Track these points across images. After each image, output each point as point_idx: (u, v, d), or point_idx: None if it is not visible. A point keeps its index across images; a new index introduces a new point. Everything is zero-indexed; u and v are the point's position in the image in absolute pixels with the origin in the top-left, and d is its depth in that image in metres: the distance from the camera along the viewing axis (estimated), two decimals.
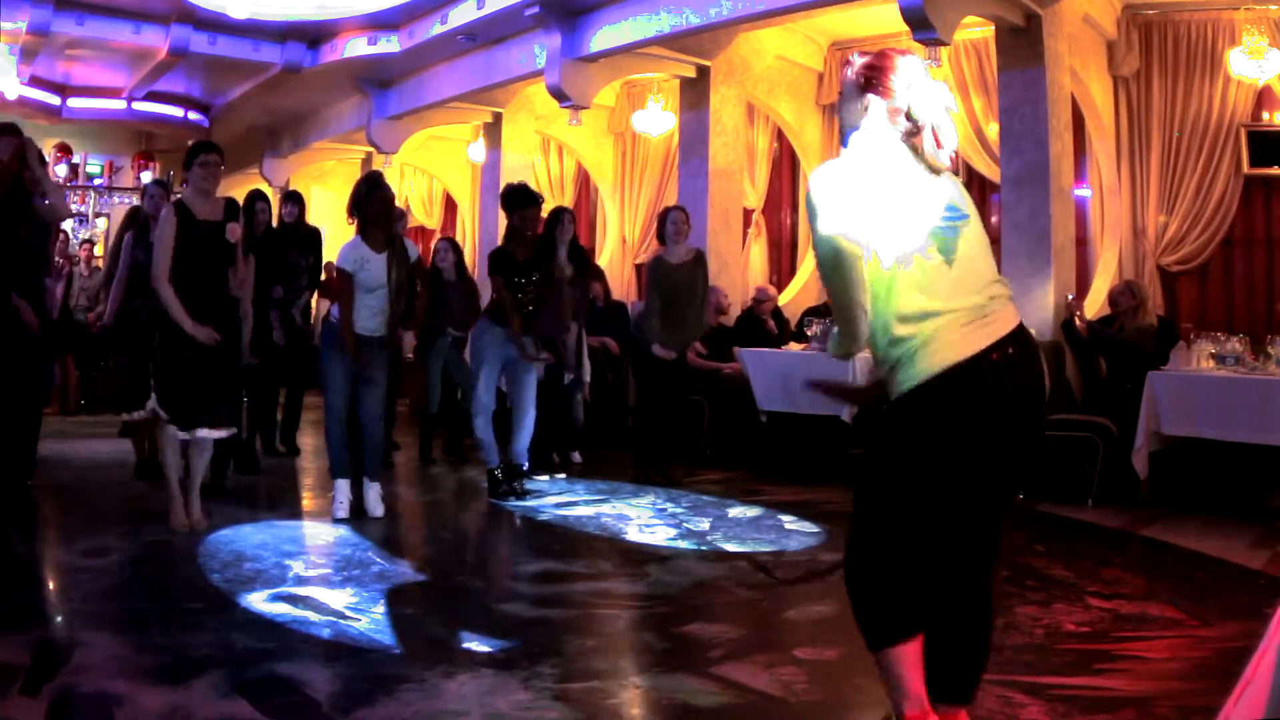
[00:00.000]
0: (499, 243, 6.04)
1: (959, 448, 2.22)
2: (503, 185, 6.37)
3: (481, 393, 5.71)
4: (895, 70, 2.31)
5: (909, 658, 2.28)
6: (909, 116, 2.30)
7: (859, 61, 2.38)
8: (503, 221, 6.01)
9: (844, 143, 2.39)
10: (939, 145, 2.30)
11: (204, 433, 4.72)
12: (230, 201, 4.94)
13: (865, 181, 2.25)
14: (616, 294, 8.88)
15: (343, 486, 5.12)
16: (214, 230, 4.73)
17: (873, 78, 2.32)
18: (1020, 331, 2.27)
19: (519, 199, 5.74)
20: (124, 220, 6.07)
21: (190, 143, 4.99)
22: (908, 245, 2.22)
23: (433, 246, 7.44)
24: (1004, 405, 2.23)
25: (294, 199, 6.80)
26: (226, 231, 4.74)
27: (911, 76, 2.31)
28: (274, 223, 6.55)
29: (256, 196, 6.33)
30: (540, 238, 5.87)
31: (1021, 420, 2.27)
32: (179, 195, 4.85)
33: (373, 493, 5.23)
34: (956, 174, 2.47)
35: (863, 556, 2.35)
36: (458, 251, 7.15)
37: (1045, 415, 2.40)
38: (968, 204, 2.33)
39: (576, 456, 6.93)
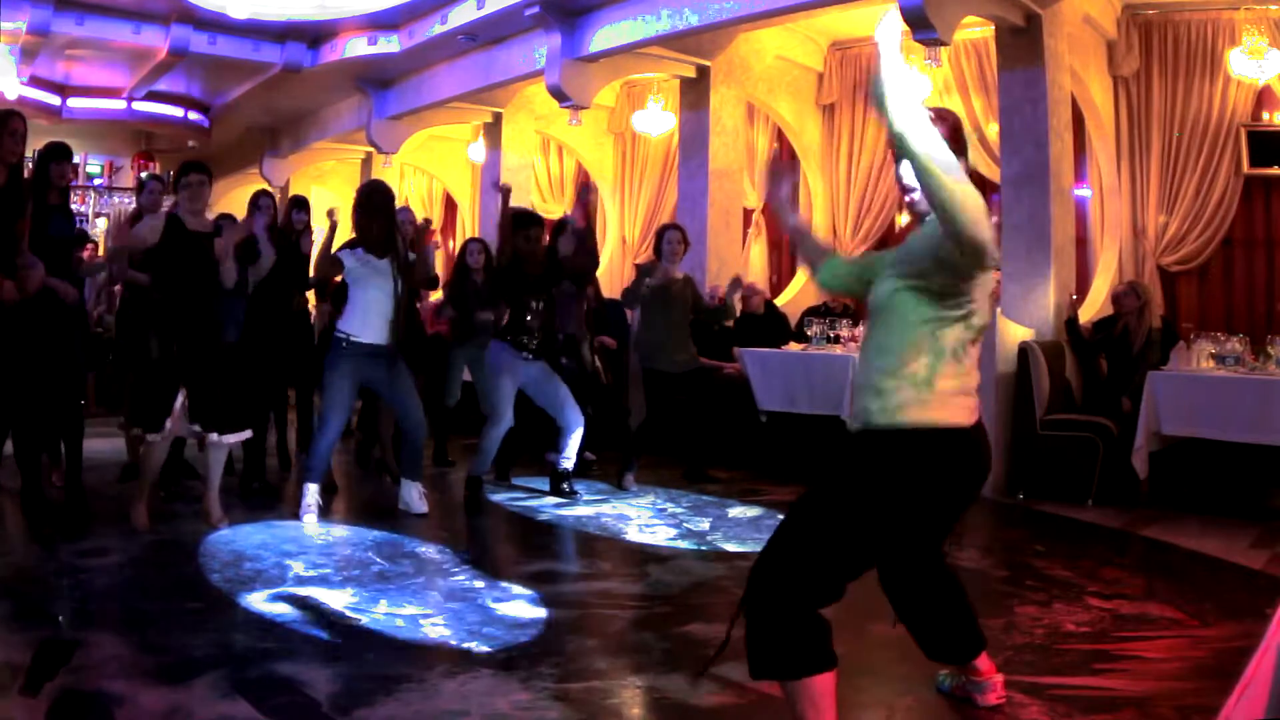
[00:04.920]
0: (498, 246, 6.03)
1: (938, 496, 2.36)
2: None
3: (501, 407, 5.63)
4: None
5: (831, 687, 2.30)
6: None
7: (951, 118, 2.49)
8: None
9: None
10: None
11: (214, 438, 4.76)
12: (219, 223, 4.99)
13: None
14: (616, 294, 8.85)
15: (312, 490, 5.12)
16: (202, 240, 4.78)
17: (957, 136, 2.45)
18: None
19: (521, 220, 5.74)
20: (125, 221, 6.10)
21: (180, 164, 5.00)
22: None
23: (463, 247, 7.42)
24: (978, 471, 2.42)
25: (306, 206, 6.77)
26: (216, 246, 4.80)
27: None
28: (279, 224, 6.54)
29: (295, 204, 6.44)
30: (546, 250, 5.90)
31: (977, 487, 2.47)
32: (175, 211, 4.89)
33: (415, 491, 5.32)
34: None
35: (798, 580, 2.29)
36: (488, 252, 7.10)
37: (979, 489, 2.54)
38: None
39: (590, 455, 6.92)
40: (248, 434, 4.97)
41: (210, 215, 5.26)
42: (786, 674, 2.29)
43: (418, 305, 7.04)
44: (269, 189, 6.68)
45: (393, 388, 5.23)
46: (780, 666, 2.29)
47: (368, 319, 5.10)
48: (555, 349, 5.92)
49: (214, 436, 4.75)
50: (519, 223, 5.74)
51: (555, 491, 5.88)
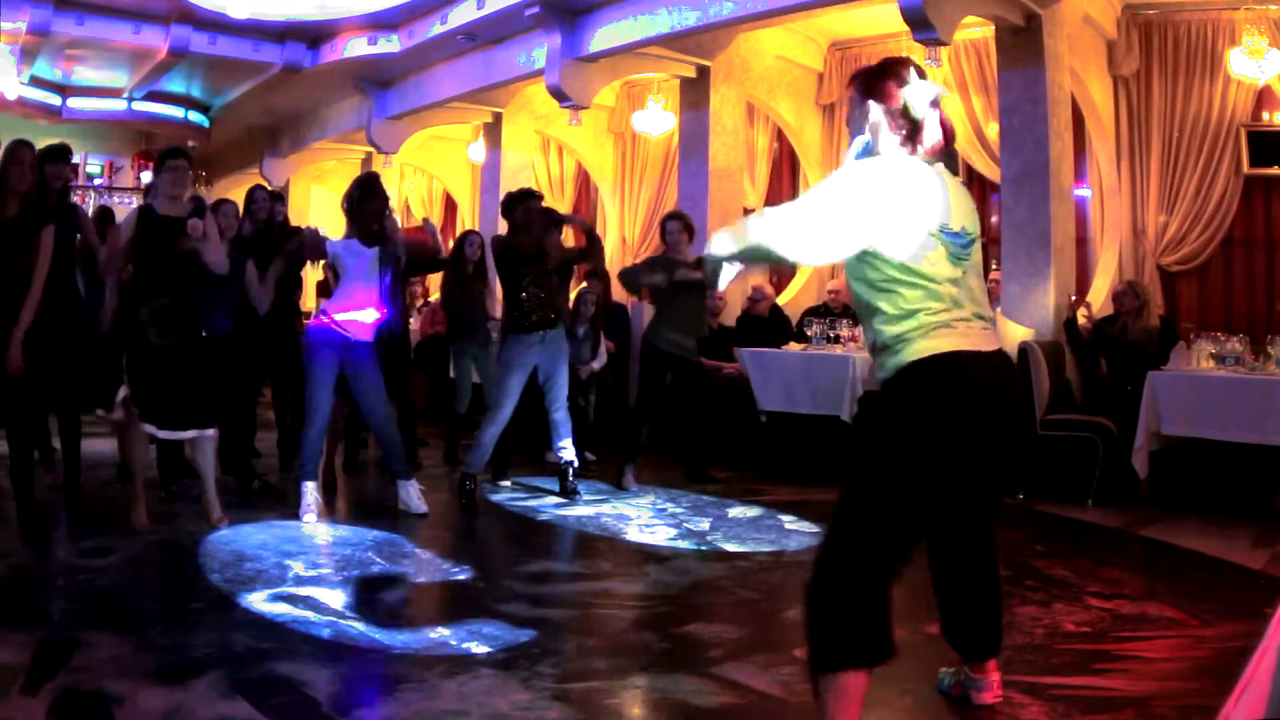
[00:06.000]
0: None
1: (953, 428, 2.31)
2: (502, 186, 6.34)
3: (503, 402, 5.58)
4: (892, 73, 2.44)
5: (859, 690, 2.30)
6: (907, 114, 2.41)
7: (858, 74, 2.54)
8: (503, 224, 5.99)
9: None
10: (937, 135, 2.44)
11: (192, 433, 4.75)
12: (198, 203, 4.93)
13: (868, 193, 2.33)
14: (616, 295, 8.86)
15: (310, 489, 5.13)
16: (175, 225, 4.71)
17: (872, 84, 2.46)
18: (1004, 352, 2.48)
19: (518, 195, 5.73)
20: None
21: (161, 151, 4.98)
22: (913, 244, 2.32)
23: (460, 237, 7.41)
24: (996, 398, 2.37)
25: (281, 199, 6.80)
26: (188, 226, 4.70)
27: (907, 78, 2.43)
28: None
29: (274, 196, 6.41)
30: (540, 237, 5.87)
31: (1006, 420, 2.41)
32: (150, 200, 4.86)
33: (412, 490, 5.31)
34: (956, 174, 2.57)
35: (846, 561, 2.32)
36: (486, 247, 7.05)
37: (1023, 428, 2.58)
38: (977, 226, 2.48)
39: (590, 456, 6.93)
40: (195, 433, 4.84)
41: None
42: (845, 663, 2.28)
43: (417, 307, 7.05)
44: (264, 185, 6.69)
45: (360, 381, 5.21)
46: (842, 655, 2.28)
47: (351, 308, 5.12)
48: (554, 321, 5.79)
49: (195, 432, 4.74)
50: (519, 196, 5.69)
51: (562, 489, 5.86)
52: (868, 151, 2.46)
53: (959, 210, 2.41)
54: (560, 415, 5.77)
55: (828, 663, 2.30)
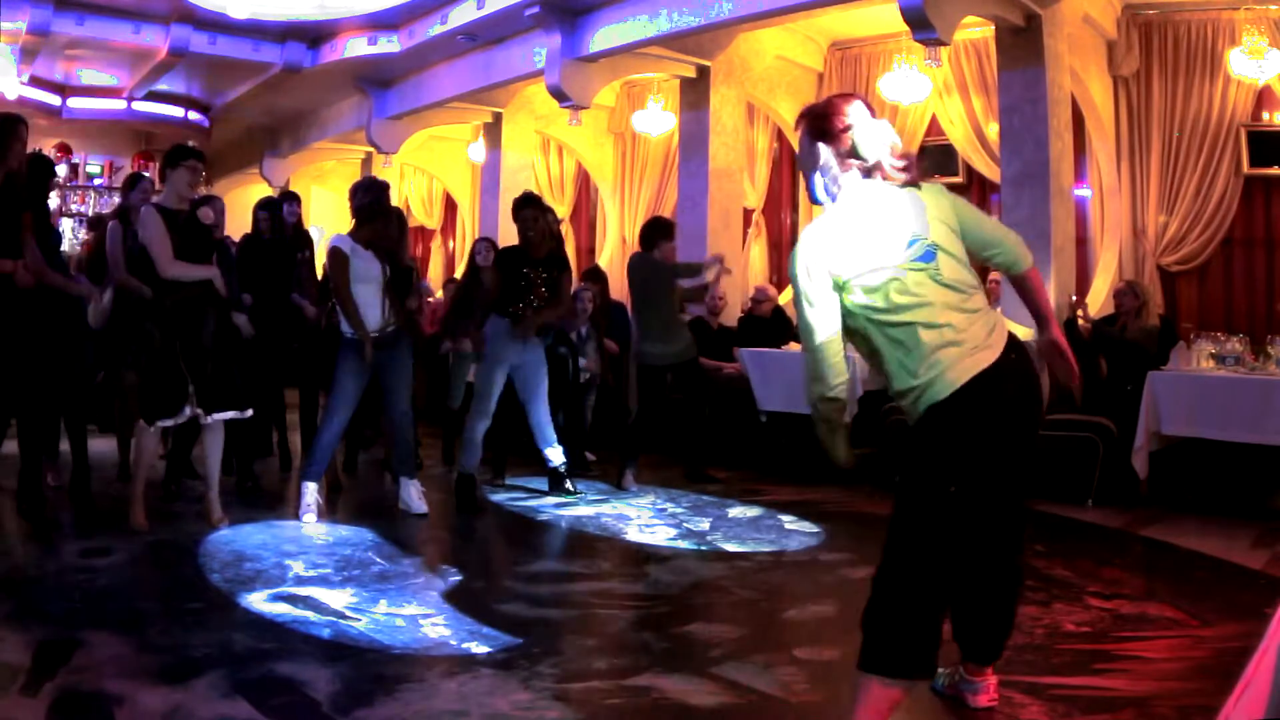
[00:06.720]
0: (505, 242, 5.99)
1: (974, 448, 2.39)
2: (503, 186, 6.32)
3: (488, 395, 5.58)
4: (840, 115, 2.46)
5: (886, 703, 2.33)
6: (857, 155, 2.45)
7: (806, 115, 2.56)
8: (503, 224, 6.00)
9: (810, 193, 2.56)
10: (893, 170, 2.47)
11: (213, 417, 4.72)
12: (198, 201, 4.97)
13: (833, 239, 2.41)
14: (616, 295, 8.86)
15: (311, 490, 5.13)
16: (189, 219, 4.77)
17: (820, 127, 2.49)
18: (1011, 345, 2.44)
19: (517, 202, 5.75)
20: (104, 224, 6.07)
21: (174, 146, 4.96)
22: (880, 277, 2.37)
23: (472, 246, 7.42)
24: (1004, 409, 2.41)
25: (298, 199, 6.80)
26: (199, 215, 4.79)
27: (855, 119, 2.45)
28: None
29: (286, 198, 6.43)
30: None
31: (1022, 418, 2.46)
32: (155, 199, 4.86)
33: (413, 490, 5.32)
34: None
35: (902, 574, 2.35)
36: (498, 251, 7.03)
37: (1041, 412, 2.58)
38: (932, 225, 2.43)
39: (590, 456, 6.93)
40: (234, 414, 4.84)
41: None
42: (883, 669, 2.31)
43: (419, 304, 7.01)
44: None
45: (388, 372, 5.23)
46: (890, 664, 2.31)
47: (362, 311, 5.12)
48: (549, 326, 5.76)
49: (206, 417, 4.72)
50: (514, 207, 5.71)
51: (558, 490, 5.86)
52: (817, 189, 2.52)
53: (896, 231, 2.40)
54: (540, 420, 5.72)
55: (866, 663, 2.34)
